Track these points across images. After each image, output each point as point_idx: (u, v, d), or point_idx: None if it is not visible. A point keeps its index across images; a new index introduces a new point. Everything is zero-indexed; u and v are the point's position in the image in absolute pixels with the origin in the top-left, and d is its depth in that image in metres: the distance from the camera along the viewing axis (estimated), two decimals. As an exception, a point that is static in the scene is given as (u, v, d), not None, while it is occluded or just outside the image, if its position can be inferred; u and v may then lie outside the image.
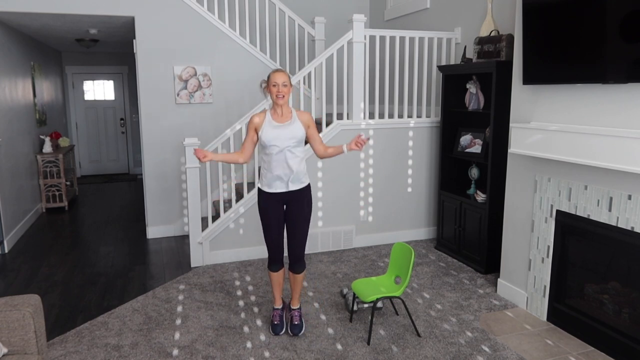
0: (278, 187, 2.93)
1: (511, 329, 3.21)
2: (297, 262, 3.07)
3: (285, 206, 3.01)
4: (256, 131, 2.93)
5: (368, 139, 2.97)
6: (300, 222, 2.99)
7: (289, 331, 3.13)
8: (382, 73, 5.88)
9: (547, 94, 3.19)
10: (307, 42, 5.52)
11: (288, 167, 2.89)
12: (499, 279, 3.75)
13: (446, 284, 3.95)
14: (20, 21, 5.11)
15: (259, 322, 3.32)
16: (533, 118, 3.31)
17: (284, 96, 2.83)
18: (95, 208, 6.67)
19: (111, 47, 7.99)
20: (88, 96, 9.07)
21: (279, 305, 3.23)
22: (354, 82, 4.52)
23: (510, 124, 3.33)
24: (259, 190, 3.02)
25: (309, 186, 3.02)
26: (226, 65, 5.20)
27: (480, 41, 4.04)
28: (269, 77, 2.87)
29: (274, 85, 2.83)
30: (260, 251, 4.54)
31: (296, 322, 3.13)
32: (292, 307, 3.20)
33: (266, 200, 2.97)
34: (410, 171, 4.93)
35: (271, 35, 5.70)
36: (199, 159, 2.82)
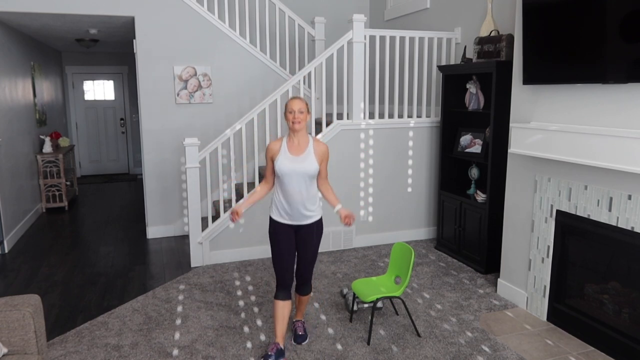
0: (291, 219, 2.89)
1: (511, 329, 3.21)
2: (304, 285, 3.02)
3: (295, 232, 2.95)
4: (272, 159, 2.90)
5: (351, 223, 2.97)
6: (311, 250, 2.95)
7: (293, 341, 3.09)
8: (382, 73, 5.88)
9: (547, 94, 3.19)
10: (307, 42, 5.52)
11: (301, 199, 2.85)
12: (499, 279, 3.75)
13: (446, 284, 3.95)
14: (20, 21, 5.11)
15: (259, 322, 3.32)
16: (533, 118, 3.31)
17: (300, 122, 2.80)
18: (95, 208, 6.67)
19: (111, 47, 7.99)
20: (88, 96, 9.07)
21: (279, 340, 2.90)
22: (354, 82, 4.53)
23: (510, 124, 3.33)
24: (271, 218, 2.97)
25: (321, 218, 2.97)
26: (226, 65, 5.20)
27: (480, 41, 4.04)
28: (286, 105, 2.85)
29: (290, 112, 2.80)
30: (260, 251, 4.54)
31: (300, 333, 3.09)
32: (296, 319, 3.17)
33: (277, 229, 2.93)
34: (410, 171, 4.93)
35: (271, 35, 5.70)
36: (234, 219, 2.88)
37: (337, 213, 2.92)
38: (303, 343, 3.08)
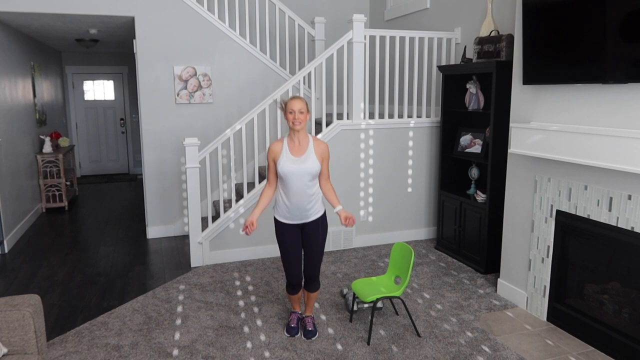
0: (293, 219, 2.94)
1: (511, 329, 3.21)
2: (312, 282, 3.09)
3: (301, 230, 3.00)
4: (274, 161, 2.92)
5: (353, 224, 3.01)
6: (315, 246, 3.00)
7: (303, 336, 3.14)
8: (382, 73, 5.88)
9: (547, 94, 3.19)
10: (307, 42, 5.52)
11: (304, 198, 2.89)
12: (499, 279, 3.75)
13: (446, 284, 3.95)
14: (20, 21, 5.11)
15: (259, 322, 3.32)
16: (533, 118, 3.31)
17: (300, 123, 2.83)
18: (95, 208, 6.67)
19: (111, 47, 7.99)
20: (88, 96, 9.07)
21: (297, 309, 3.26)
22: (354, 82, 4.52)
23: (510, 124, 3.33)
24: (275, 219, 3.01)
25: (324, 214, 3.02)
26: (226, 65, 5.20)
27: (480, 41, 4.04)
28: (286, 104, 2.87)
29: (291, 113, 2.82)
30: (260, 251, 4.54)
31: (310, 328, 3.14)
32: (305, 315, 3.24)
33: (283, 229, 2.98)
34: (410, 171, 4.93)
35: (271, 35, 5.70)
36: (248, 228, 2.87)
37: (337, 214, 2.97)
38: (313, 338, 3.12)
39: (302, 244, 3.03)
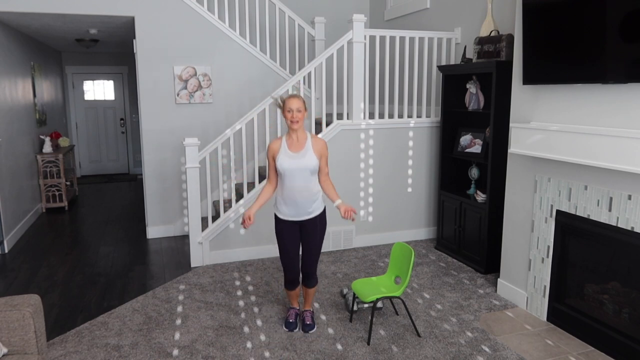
0: (293, 215, 2.98)
1: (511, 329, 3.21)
2: (310, 278, 3.16)
3: (300, 227, 3.04)
4: (273, 158, 2.97)
5: (353, 219, 3.03)
6: (313, 243, 3.05)
7: (301, 329, 3.21)
8: (382, 73, 5.87)
9: (547, 94, 3.19)
10: (307, 42, 5.52)
11: (304, 195, 2.93)
12: (499, 279, 3.75)
13: (446, 284, 3.95)
14: (20, 21, 5.11)
15: (259, 322, 3.32)
16: (533, 118, 3.31)
17: (298, 121, 2.88)
18: (95, 208, 6.67)
19: (111, 47, 7.99)
20: (88, 96, 9.07)
21: (295, 305, 3.32)
22: (354, 82, 4.52)
23: (510, 124, 3.33)
24: (275, 216, 3.07)
25: (324, 211, 3.07)
26: (226, 65, 5.20)
27: (480, 41, 4.04)
28: (284, 102, 2.91)
29: (289, 111, 2.88)
30: (260, 251, 4.54)
31: (308, 322, 3.22)
32: (304, 309, 3.31)
33: (282, 226, 3.03)
34: (410, 171, 4.93)
35: (271, 35, 5.70)
36: (245, 222, 2.93)
37: (337, 208, 3.00)
38: (311, 332, 3.19)
39: (300, 240, 3.07)
